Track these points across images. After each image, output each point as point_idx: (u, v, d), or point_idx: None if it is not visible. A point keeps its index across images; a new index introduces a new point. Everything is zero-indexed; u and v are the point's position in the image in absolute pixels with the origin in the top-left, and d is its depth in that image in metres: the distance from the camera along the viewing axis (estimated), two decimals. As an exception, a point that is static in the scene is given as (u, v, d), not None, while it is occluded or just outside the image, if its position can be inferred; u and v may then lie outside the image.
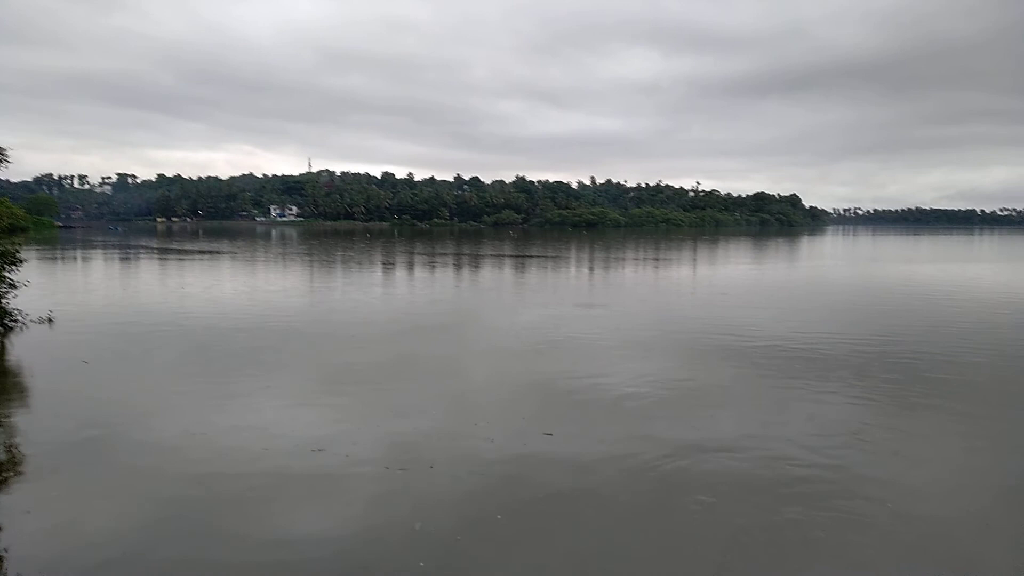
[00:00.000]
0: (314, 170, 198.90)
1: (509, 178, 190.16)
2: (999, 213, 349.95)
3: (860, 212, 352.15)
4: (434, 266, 42.19)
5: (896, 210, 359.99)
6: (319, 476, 7.93)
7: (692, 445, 8.99)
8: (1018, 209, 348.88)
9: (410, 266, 42.35)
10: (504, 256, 53.29)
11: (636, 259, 51.63)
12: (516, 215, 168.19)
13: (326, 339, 16.57)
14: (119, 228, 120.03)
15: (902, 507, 7.15)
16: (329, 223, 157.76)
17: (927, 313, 22.17)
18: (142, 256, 46.76)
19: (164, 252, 51.13)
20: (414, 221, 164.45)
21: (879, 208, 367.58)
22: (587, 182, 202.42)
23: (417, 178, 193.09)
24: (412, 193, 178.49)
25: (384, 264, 43.39)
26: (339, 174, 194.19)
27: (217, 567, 6.03)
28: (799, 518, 6.91)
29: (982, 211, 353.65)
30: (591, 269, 42.57)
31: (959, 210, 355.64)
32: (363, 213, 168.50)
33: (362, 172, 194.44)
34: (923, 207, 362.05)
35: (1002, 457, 8.86)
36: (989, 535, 6.70)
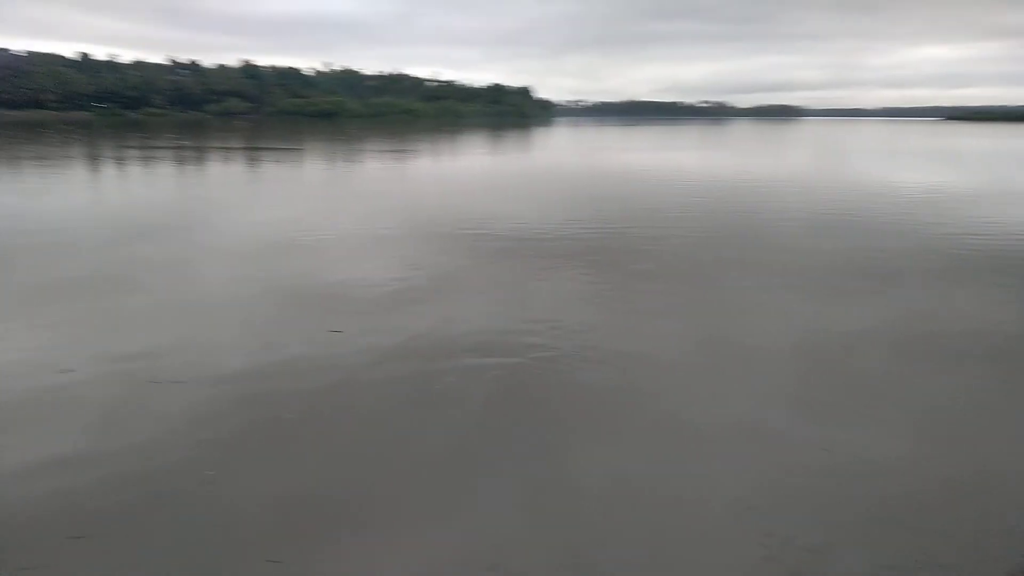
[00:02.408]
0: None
1: (233, 63, 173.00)
2: (698, 105, 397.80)
3: (585, 104, 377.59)
4: (152, 162, 37.89)
5: (616, 102, 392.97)
6: (62, 398, 7.04)
7: (451, 318, 9.74)
8: (714, 101, 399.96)
9: (122, 163, 37.59)
10: (235, 149, 49.30)
11: (380, 152, 50.84)
12: (244, 104, 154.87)
13: (26, 250, 14.34)
14: None
15: (626, 355, 8.63)
16: (12, 113, 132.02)
17: (645, 197, 25.06)
18: None
19: None
20: (122, 111, 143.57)
21: (602, 100, 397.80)
22: (322, 68, 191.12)
23: (122, 60, 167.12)
24: (118, 78, 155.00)
25: (90, 161, 37.97)
26: (25, 54, 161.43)
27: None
28: (541, 366, 8.13)
29: (685, 103, 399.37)
30: (332, 163, 41.15)
31: (667, 102, 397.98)
32: (56, 102, 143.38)
33: (52, 52, 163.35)
34: (638, 99, 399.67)
35: (707, 314, 10.65)
36: (686, 369, 8.38)
